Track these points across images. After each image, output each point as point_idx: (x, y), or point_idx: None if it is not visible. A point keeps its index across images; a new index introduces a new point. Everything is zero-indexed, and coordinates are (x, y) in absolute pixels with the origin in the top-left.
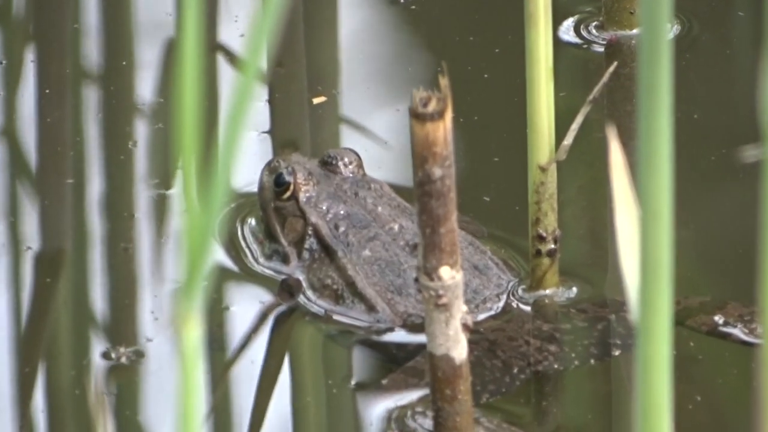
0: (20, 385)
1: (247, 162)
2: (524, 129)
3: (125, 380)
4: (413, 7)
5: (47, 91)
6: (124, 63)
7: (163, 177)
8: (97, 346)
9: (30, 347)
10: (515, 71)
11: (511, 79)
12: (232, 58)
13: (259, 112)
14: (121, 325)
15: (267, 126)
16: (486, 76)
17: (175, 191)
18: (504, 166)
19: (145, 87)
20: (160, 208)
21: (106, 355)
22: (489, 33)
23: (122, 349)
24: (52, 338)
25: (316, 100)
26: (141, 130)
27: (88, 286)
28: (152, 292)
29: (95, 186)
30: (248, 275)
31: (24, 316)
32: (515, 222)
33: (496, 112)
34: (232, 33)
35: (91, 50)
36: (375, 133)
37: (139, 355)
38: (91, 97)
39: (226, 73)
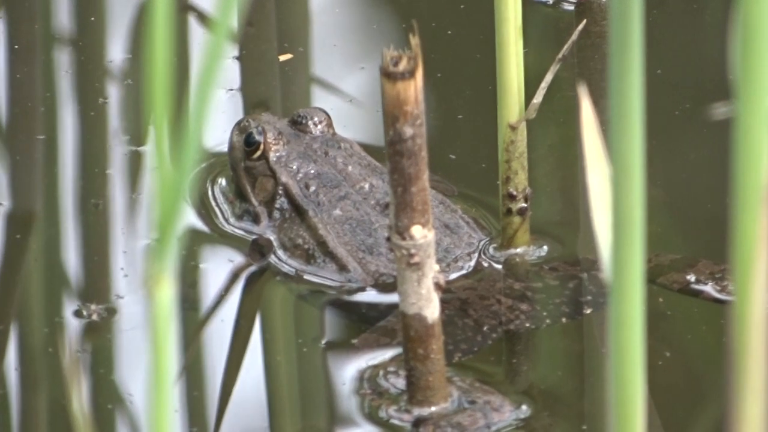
0: None
1: (218, 121)
2: (494, 87)
3: (97, 338)
4: None
5: (16, 47)
6: (92, 19)
7: (134, 133)
8: (69, 304)
9: (1, 305)
10: (484, 29)
11: (480, 36)
12: (202, 17)
13: (229, 71)
14: (93, 282)
15: (237, 85)
16: (453, 33)
17: (147, 148)
18: (474, 124)
19: (115, 44)
20: (132, 165)
21: (78, 313)
22: None
23: (93, 306)
24: (24, 295)
25: (282, 57)
26: (111, 87)
27: (59, 242)
28: (123, 249)
29: (66, 142)
30: (219, 235)
31: None
32: (486, 181)
33: (465, 70)
34: None
35: (61, 7)
36: (345, 92)
37: (111, 312)
38: (61, 55)
39: (196, 32)
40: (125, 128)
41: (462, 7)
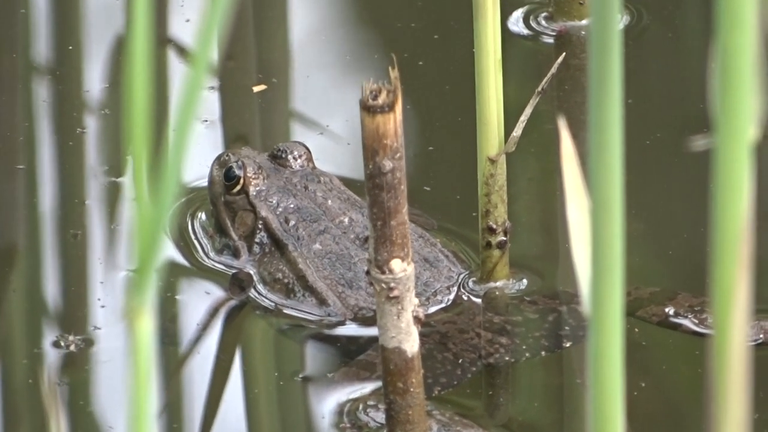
0: None
1: (197, 156)
2: (473, 120)
3: (76, 369)
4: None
5: None
6: (71, 48)
7: (112, 164)
8: (48, 334)
9: None
10: (462, 60)
11: (461, 69)
12: (182, 51)
13: (208, 103)
14: (71, 313)
15: (216, 117)
16: (434, 65)
17: (126, 178)
18: (453, 157)
19: (94, 74)
20: (111, 195)
21: (56, 344)
22: (435, 21)
23: (71, 337)
24: (3, 325)
25: (256, 89)
26: (90, 117)
27: (38, 272)
28: (101, 280)
29: (45, 172)
30: (199, 269)
31: None
32: (465, 214)
33: (445, 102)
34: (181, 26)
35: (39, 37)
36: (324, 125)
37: (88, 343)
38: (40, 85)
39: (175, 66)
40: (103, 159)
41: (443, 40)
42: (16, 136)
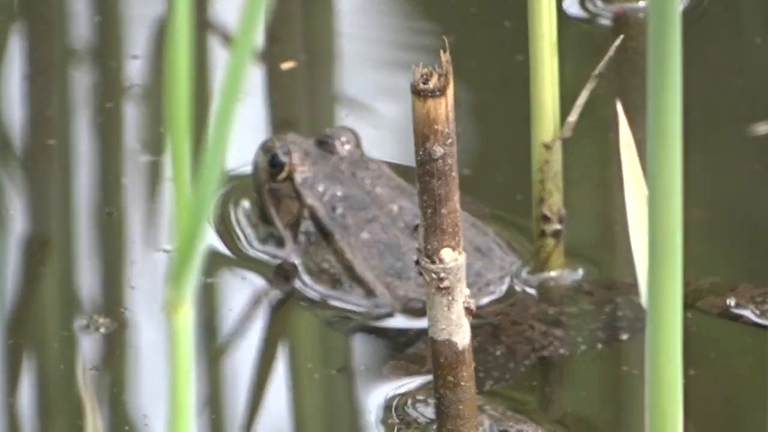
0: (3, 358)
1: (241, 142)
2: (528, 104)
3: (106, 353)
4: None
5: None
6: (108, 29)
7: (150, 142)
8: (78, 316)
9: (12, 317)
10: (519, 45)
11: (515, 53)
12: (225, 36)
13: (254, 91)
14: (102, 294)
15: (261, 103)
16: (488, 49)
17: (164, 157)
18: (507, 143)
19: (132, 54)
20: (149, 174)
21: (86, 326)
22: (489, 3)
23: (101, 320)
24: (33, 306)
25: (285, 66)
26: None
27: (70, 252)
28: (133, 260)
29: (81, 150)
30: (242, 259)
31: (6, 284)
32: (519, 202)
33: (498, 86)
34: (224, 9)
35: (77, 18)
36: (374, 110)
37: (119, 326)
38: (77, 68)
39: (218, 53)
40: (141, 137)
41: (500, 23)
42: (51, 115)
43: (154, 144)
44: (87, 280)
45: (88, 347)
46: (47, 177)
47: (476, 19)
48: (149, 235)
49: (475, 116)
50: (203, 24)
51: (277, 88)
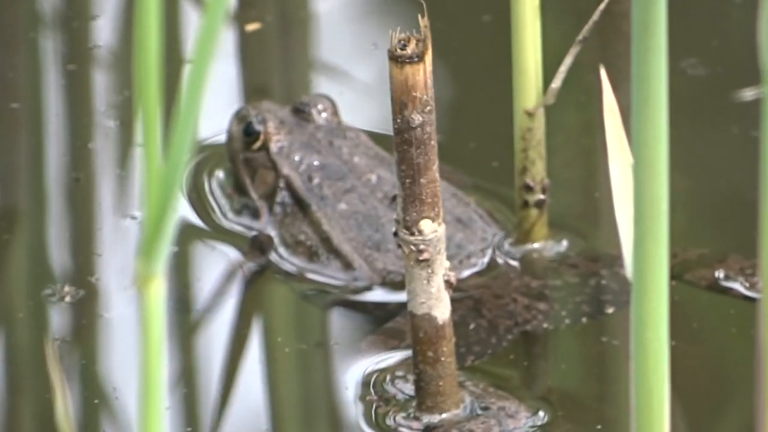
0: None
1: (214, 110)
2: (509, 71)
3: (73, 323)
4: None
5: None
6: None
7: (119, 107)
8: (44, 285)
9: None
10: (499, 7)
11: (495, 16)
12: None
13: (227, 56)
14: (69, 262)
15: (234, 70)
16: (466, 12)
17: (133, 123)
18: (488, 110)
19: (100, 21)
20: (115, 138)
21: (51, 295)
22: None
23: (66, 288)
24: None
25: (249, 27)
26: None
27: (37, 218)
28: (99, 227)
29: (47, 113)
30: (216, 231)
31: None
32: (501, 171)
33: (478, 52)
34: None
35: None
36: (352, 76)
37: (85, 294)
38: (43, 35)
39: (190, 15)
40: (107, 101)
41: None
42: (14, 77)
43: (122, 108)
44: (53, 247)
45: (55, 317)
46: (11, 141)
47: None
48: (118, 201)
49: (454, 83)
50: None
51: (249, 53)
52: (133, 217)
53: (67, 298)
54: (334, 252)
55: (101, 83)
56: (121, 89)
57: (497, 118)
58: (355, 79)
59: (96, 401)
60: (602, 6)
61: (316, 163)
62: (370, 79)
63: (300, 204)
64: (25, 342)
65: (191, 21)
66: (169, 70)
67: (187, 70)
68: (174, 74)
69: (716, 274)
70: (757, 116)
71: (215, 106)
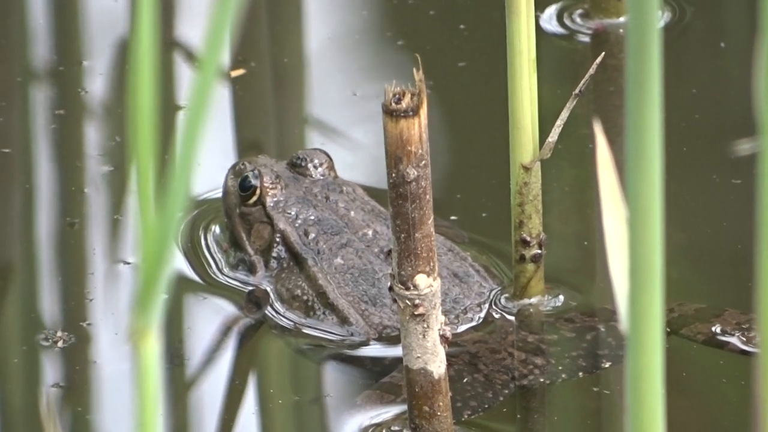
0: None
1: (210, 165)
2: (506, 125)
3: (65, 368)
4: None
5: None
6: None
7: (112, 153)
8: (38, 329)
9: None
10: (495, 61)
11: (491, 69)
12: (190, 55)
13: (222, 112)
14: (61, 307)
15: (230, 127)
16: (463, 67)
17: (127, 168)
18: (484, 165)
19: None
20: (110, 185)
21: (44, 339)
22: (464, 21)
23: (59, 333)
24: None
25: (234, 73)
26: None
27: (32, 263)
28: (92, 271)
29: (40, 158)
30: (212, 286)
31: None
32: (497, 226)
33: (475, 106)
34: (190, 28)
35: (38, 41)
36: (347, 133)
37: (78, 339)
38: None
39: (184, 71)
40: (101, 146)
41: (475, 38)
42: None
43: (114, 153)
44: (47, 292)
45: (48, 363)
46: (4, 186)
47: (451, 36)
48: (111, 246)
49: (450, 137)
50: (170, 43)
51: (240, 104)
52: (126, 263)
53: (60, 344)
54: (330, 307)
55: (92, 128)
56: (112, 135)
57: (494, 173)
58: (349, 134)
59: None
60: (598, 60)
61: (312, 217)
62: (365, 135)
63: (296, 259)
64: (19, 388)
65: (181, 68)
66: (160, 117)
67: (180, 120)
68: (166, 119)
69: (713, 329)
70: (739, 164)
71: (210, 161)
